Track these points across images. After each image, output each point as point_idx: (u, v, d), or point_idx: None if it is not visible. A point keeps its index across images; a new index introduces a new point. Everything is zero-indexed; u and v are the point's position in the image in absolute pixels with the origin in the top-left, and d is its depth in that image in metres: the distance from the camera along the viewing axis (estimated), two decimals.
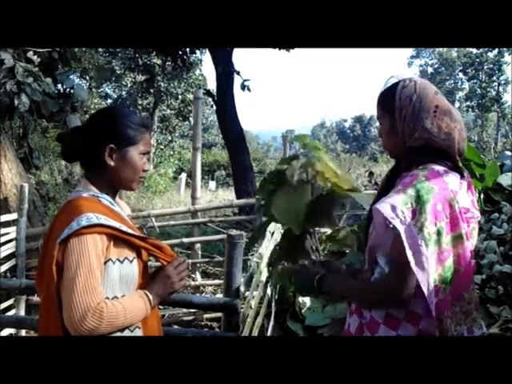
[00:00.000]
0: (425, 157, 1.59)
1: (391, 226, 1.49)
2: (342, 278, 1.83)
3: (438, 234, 1.48)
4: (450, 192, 1.53)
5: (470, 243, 1.58)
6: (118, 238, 1.50)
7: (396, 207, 1.48)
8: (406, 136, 1.59)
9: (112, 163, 1.57)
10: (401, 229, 1.46)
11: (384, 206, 1.50)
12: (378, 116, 1.72)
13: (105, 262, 1.47)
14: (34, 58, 5.72)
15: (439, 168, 1.57)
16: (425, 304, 1.51)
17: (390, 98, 1.62)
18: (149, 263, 1.66)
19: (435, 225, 1.47)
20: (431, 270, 1.46)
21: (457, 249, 1.53)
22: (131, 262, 1.53)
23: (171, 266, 1.62)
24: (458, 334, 1.52)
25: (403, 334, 1.53)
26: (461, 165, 1.64)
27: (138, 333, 1.55)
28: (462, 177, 1.62)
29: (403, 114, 1.58)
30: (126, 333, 1.51)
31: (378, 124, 1.77)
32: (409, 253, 1.44)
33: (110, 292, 1.48)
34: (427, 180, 1.51)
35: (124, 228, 1.51)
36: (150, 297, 1.53)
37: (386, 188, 1.69)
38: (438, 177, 1.54)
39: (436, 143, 1.57)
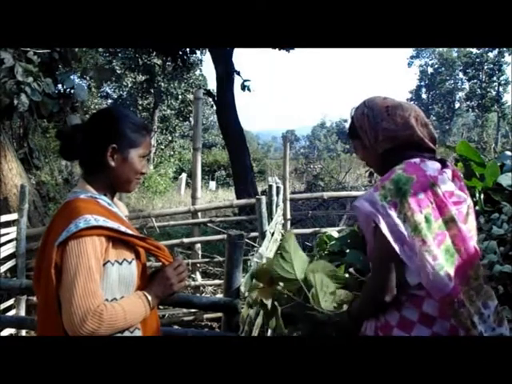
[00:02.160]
0: (400, 156, 1.65)
1: (373, 223, 1.52)
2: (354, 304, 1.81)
3: (427, 220, 1.51)
4: (430, 178, 1.57)
5: (467, 227, 1.60)
6: (116, 240, 1.49)
7: (375, 203, 1.53)
8: (374, 144, 1.69)
9: (113, 163, 1.57)
10: (383, 223, 1.50)
11: (363, 203, 1.55)
12: (353, 148, 1.84)
13: (104, 264, 1.46)
14: (34, 58, 5.71)
15: (415, 160, 1.62)
16: (437, 305, 1.52)
17: (351, 125, 1.77)
18: (148, 263, 1.66)
19: (421, 212, 1.51)
20: (428, 256, 1.49)
21: (452, 231, 1.55)
22: (130, 263, 1.52)
23: (171, 268, 1.61)
24: (475, 311, 1.53)
25: (409, 336, 1.53)
26: (439, 156, 1.69)
27: (138, 334, 1.54)
28: (445, 166, 1.66)
29: (364, 128, 1.70)
30: (126, 334, 1.50)
31: None
32: (395, 244, 1.49)
33: (109, 294, 1.48)
34: (404, 171, 1.56)
35: (122, 229, 1.51)
36: (149, 298, 1.53)
37: None
38: (415, 166, 1.59)
39: (401, 137, 1.65)
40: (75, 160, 1.66)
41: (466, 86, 46.09)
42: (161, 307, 5.74)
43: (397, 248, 1.48)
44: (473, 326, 1.50)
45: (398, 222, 1.49)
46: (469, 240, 1.59)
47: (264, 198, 5.10)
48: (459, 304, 1.51)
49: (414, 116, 1.66)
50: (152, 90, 25.85)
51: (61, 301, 1.40)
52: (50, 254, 1.43)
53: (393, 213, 1.50)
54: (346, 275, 2.63)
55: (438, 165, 1.64)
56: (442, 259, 1.51)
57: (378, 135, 1.67)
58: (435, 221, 1.53)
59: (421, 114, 1.69)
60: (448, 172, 1.65)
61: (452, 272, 1.52)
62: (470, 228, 1.62)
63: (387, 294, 1.51)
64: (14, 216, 5.46)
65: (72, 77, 6.77)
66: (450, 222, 1.56)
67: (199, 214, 6.32)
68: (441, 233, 1.54)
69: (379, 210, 1.51)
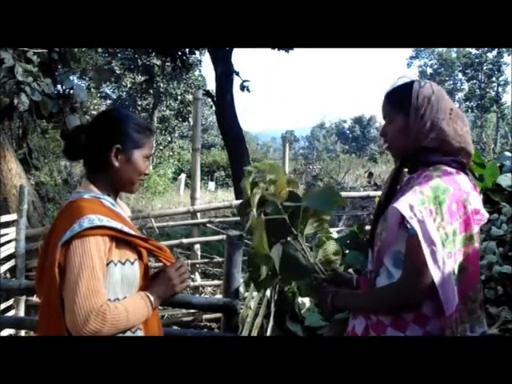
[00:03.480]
0: (436, 157, 1.59)
1: (408, 225, 1.49)
2: (353, 292, 1.77)
3: (454, 234, 1.49)
4: (464, 193, 1.54)
5: (478, 244, 1.59)
6: (119, 240, 1.50)
7: (413, 206, 1.48)
8: (422, 136, 1.58)
9: (116, 164, 1.57)
10: (418, 228, 1.46)
11: (402, 205, 1.49)
12: (386, 115, 1.69)
13: (107, 264, 1.46)
14: (34, 58, 5.71)
15: (451, 169, 1.57)
16: (432, 305, 1.51)
17: (405, 97, 1.61)
18: (148, 264, 1.66)
19: (451, 224, 1.48)
20: (450, 270, 1.47)
21: (467, 249, 1.54)
22: (132, 263, 1.53)
23: (173, 268, 1.62)
24: (460, 331, 1.52)
25: (410, 336, 1.53)
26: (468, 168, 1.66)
27: (140, 334, 1.55)
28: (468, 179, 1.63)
29: (420, 114, 1.58)
30: (128, 334, 1.51)
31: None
32: (426, 252, 1.45)
33: (112, 294, 1.48)
34: (442, 180, 1.52)
35: (126, 229, 1.51)
36: (152, 298, 1.53)
37: (392, 188, 1.69)
38: (451, 177, 1.54)
39: (451, 145, 1.58)
40: (79, 160, 1.67)
41: (466, 86, 46.14)
42: (160, 308, 5.71)
43: (426, 254, 1.45)
44: None
45: (432, 229, 1.46)
46: (478, 261, 1.59)
47: None
48: (450, 322, 1.50)
49: (469, 132, 1.62)
50: (151, 91, 25.86)
51: (64, 300, 1.41)
52: (53, 253, 1.43)
53: (428, 219, 1.46)
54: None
55: (468, 180, 1.60)
56: (456, 275, 1.50)
57: (433, 130, 1.57)
58: (459, 235, 1.51)
59: (469, 130, 1.64)
60: (479, 198, 1.62)
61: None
62: (479, 246, 1.61)
63: (419, 299, 1.50)
64: (13, 216, 5.46)
65: (71, 77, 6.77)
66: (468, 240, 1.54)
67: (198, 214, 6.31)
68: (459, 248, 1.52)
69: (416, 214, 1.47)
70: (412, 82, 1.63)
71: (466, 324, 1.55)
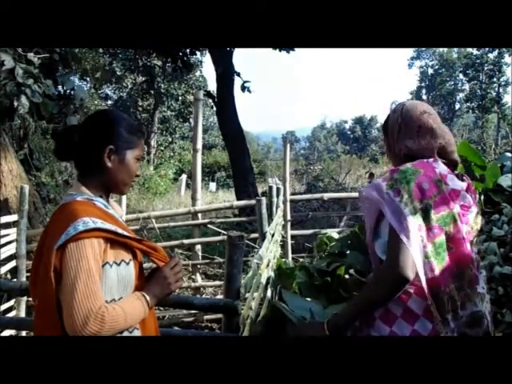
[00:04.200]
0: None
1: (378, 207, 1.60)
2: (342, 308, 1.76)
3: (426, 210, 1.58)
4: (438, 174, 1.64)
5: (467, 228, 1.66)
6: (114, 241, 1.50)
7: (382, 191, 1.60)
8: (397, 150, 1.79)
9: (109, 164, 1.57)
10: (386, 208, 1.56)
11: (370, 191, 1.64)
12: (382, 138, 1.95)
13: (102, 266, 1.46)
14: (35, 59, 5.72)
15: (429, 160, 1.70)
16: (422, 304, 1.55)
17: (386, 122, 1.86)
18: (149, 265, 1.66)
19: (421, 202, 1.57)
20: (420, 244, 1.54)
21: (449, 228, 1.61)
22: (128, 264, 1.53)
23: (167, 267, 1.62)
24: (453, 308, 1.56)
25: (397, 331, 1.56)
26: (458, 170, 1.75)
27: (137, 334, 1.54)
28: (461, 180, 1.72)
29: (391, 134, 1.81)
30: (125, 334, 1.50)
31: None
32: (395, 224, 1.53)
33: (108, 295, 1.48)
34: (413, 165, 1.64)
35: (120, 230, 1.51)
36: (148, 298, 1.53)
37: None
38: (426, 164, 1.67)
39: (420, 155, 1.72)
40: (70, 160, 1.67)
41: (466, 87, 46.07)
42: (161, 308, 5.74)
43: (397, 229, 1.53)
44: (444, 323, 1.53)
45: (401, 206, 1.55)
46: (464, 242, 1.63)
47: (264, 199, 5.10)
48: (442, 294, 1.55)
49: (443, 144, 1.73)
50: (152, 92, 25.90)
51: (62, 304, 1.40)
52: (48, 257, 1.43)
53: (396, 198, 1.57)
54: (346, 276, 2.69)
55: (446, 167, 1.71)
56: (430, 250, 1.56)
57: (402, 148, 1.75)
58: (434, 214, 1.59)
59: (451, 140, 1.76)
60: (463, 185, 1.71)
61: (437, 266, 1.56)
62: (468, 229, 1.67)
63: (407, 268, 1.50)
64: (14, 217, 5.46)
65: (72, 78, 6.77)
66: (448, 219, 1.61)
67: (199, 215, 6.32)
68: (437, 226, 1.59)
69: (384, 197, 1.58)
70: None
71: (458, 302, 1.59)
